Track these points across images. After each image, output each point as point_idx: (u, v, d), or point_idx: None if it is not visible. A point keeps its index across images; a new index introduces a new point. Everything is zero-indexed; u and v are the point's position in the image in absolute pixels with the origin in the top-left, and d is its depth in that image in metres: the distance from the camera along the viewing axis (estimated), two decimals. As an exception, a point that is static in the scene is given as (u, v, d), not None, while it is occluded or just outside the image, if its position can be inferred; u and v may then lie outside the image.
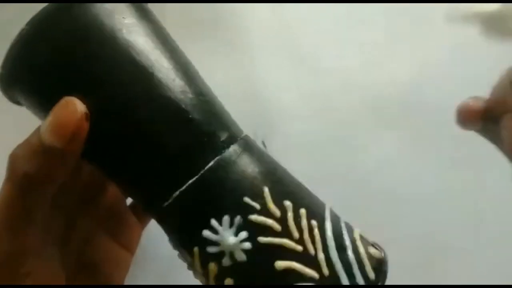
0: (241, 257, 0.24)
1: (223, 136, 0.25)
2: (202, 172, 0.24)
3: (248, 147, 0.26)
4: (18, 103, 0.27)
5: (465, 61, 0.42)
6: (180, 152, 0.24)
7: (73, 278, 0.28)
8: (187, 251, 0.25)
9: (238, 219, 0.24)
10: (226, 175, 0.24)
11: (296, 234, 0.24)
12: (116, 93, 0.24)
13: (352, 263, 0.24)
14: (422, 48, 0.43)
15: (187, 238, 0.25)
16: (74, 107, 0.23)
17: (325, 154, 0.39)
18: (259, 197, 0.24)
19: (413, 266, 0.37)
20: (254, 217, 0.24)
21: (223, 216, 0.24)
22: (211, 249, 0.24)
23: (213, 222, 0.24)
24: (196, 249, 0.25)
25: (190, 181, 0.24)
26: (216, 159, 0.25)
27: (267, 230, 0.24)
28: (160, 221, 0.26)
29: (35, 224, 0.24)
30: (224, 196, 0.24)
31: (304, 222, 0.24)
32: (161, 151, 0.24)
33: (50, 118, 0.23)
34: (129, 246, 0.33)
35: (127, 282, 0.37)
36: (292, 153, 0.39)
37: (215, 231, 0.24)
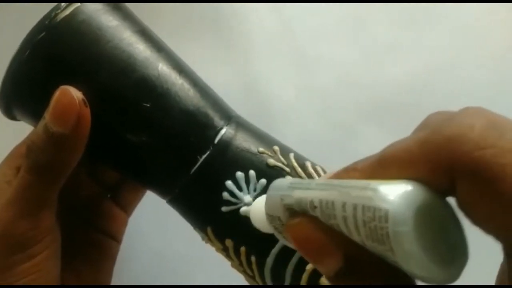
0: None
1: (222, 116, 0.27)
2: (211, 147, 0.26)
3: (241, 123, 0.28)
4: (14, 118, 0.28)
5: (464, 62, 0.42)
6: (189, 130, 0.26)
7: (63, 266, 0.28)
8: (202, 230, 0.27)
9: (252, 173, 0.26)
10: (232, 146, 0.27)
11: (299, 170, 0.27)
12: (120, 92, 0.26)
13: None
14: (422, 48, 0.43)
15: (204, 216, 0.27)
16: (70, 93, 0.24)
17: (324, 153, 0.39)
18: (270, 151, 0.27)
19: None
20: (272, 161, 0.26)
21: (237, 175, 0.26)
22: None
23: (228, 183, 0.26)
24: (209, 228, 0.26)
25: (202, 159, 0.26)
26: (218, 135, 0.26)
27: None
28: (176, 204, 0.27)
29: (47, 208, 0.26)
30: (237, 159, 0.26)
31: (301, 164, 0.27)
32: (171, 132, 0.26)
33: (50, 107, 0.24)
34: (115, 235, 0.33)
35: (124, 281, 0.38)
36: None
37: (232, 193, 0.26)
